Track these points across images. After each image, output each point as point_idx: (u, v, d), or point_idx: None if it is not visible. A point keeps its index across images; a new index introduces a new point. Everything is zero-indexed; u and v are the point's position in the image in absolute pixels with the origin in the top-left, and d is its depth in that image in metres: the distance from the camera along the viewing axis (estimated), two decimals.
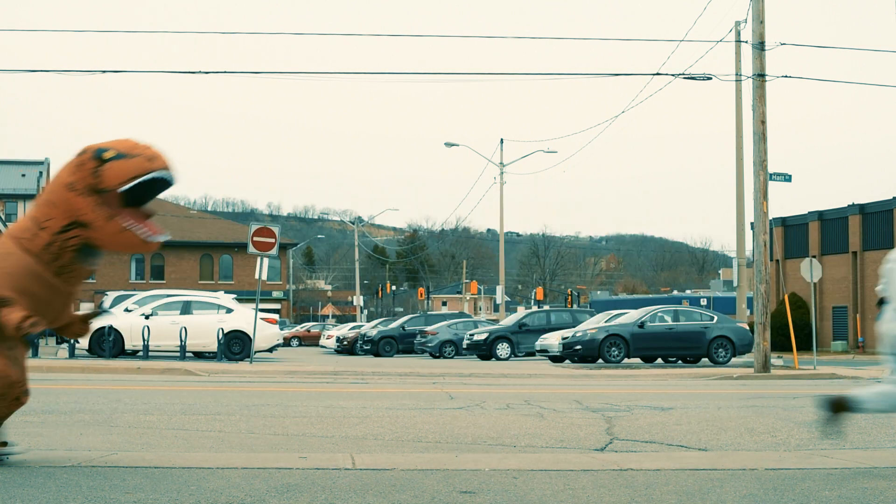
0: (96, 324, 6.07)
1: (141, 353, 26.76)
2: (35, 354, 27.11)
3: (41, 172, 78.82)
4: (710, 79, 27.01)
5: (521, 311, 48.47)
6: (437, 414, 10.65)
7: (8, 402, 5.83)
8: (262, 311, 30.18)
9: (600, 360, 29.36)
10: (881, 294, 6.55)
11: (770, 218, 23.99)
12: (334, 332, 57.44)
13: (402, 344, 44.21)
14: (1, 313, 5.69)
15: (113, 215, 5.75)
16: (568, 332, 31.07)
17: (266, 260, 26.32)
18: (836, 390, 16.56)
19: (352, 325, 61.12)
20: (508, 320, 40.32)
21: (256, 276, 26.84)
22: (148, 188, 5.79)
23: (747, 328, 30.40)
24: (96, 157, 5.74)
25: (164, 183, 5.81)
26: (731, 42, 31.52)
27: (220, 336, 26.58)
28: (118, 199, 5.74)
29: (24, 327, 5.70)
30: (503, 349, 36.84)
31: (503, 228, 56.08)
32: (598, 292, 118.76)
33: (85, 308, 71.81)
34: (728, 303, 73.04)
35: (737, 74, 30.54)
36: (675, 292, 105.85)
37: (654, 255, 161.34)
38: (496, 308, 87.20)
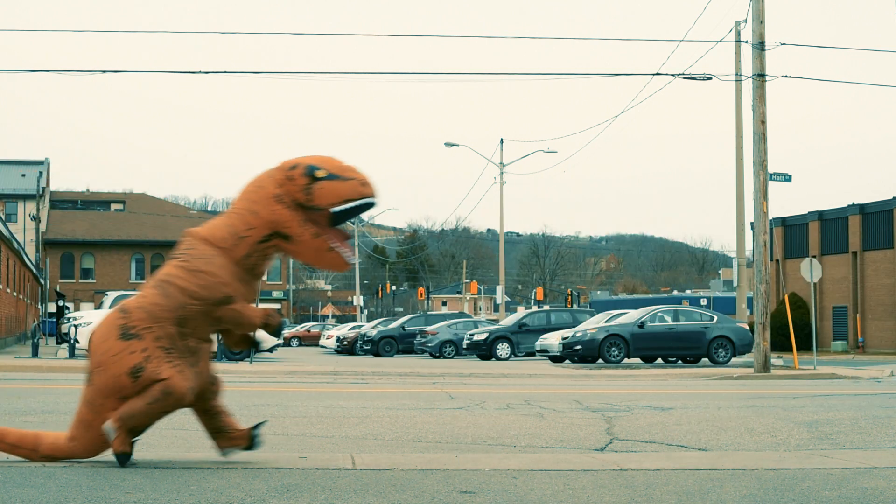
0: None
1: None
2: (35, 354, 27.11)
3: (41, 172, 78.81)
4: (710, 79, 27.01)
5: (521, 311, 48.47)
6: (437, 414, 10.65)
7: (167, 414, 5.90)
8: None
9: (600, 360, 29.36)
10: None
11: (770, 218, 24.00)
12: (334, 332, 57.44)
13: (402, 344, 44.21)
14: (232, 311, 5.81)
15: (319, 233, 5.82)
16: (568, 332, 31.07)
17: None
18: (837, 390, 16.57)
19: (352, 325, 61.12)
20: (508, 320, 40.32)
21: None
22: (354, 211, 5.87)
23: (747, 328, 30.41)
24: (309, 174, 5.78)
25: (369, 208, 5.93)
26: (731, 42, 31.55)
27: (220, 336, 26.55)
28: (326, 218, 5.82)
29: (271, 320, 5.85)
30: (503, 349, 36.84)
31: (503, 228, 56.09)
32: (598, 292, 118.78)
33: (85, 308, 71.75)
34: (728, 303, 73.07)
35: (737, 74, 30.54)
36: (675, 292, 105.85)
37: (654, 255, 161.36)
38: (496, 308, 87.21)
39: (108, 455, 6.59)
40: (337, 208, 5.79)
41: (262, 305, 6.16)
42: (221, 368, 22.29)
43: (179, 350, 5.82)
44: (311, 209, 5.78)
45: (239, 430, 6.14)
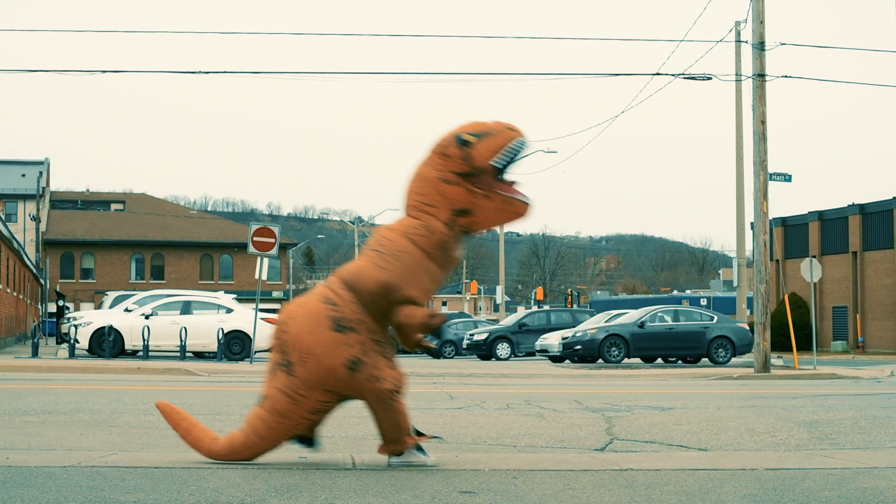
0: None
1: (141, 353, 26.76)
2: (35, 354, 27.12)
3: (41, 172, 78.80)
4: (710, 79, 27.01)
5: (521, 311, 48.45)
6: (437, 414, 10.65)
7: (399, 401, 5.94)
8: (262, 311, 30.16)
9: (600, 360, 29.36)
10: None
11: (770, 218, 23.99)
12: None
13: None
14: (405, 311, 5.84)
15: (490, 193, 5.90)
16: (568, 332, 31.06)
17: (266, 260, 26.31)
18: (837, 390, 16.57)
19: None
20: (508, 320, 40.31)
21: (256, 276, 26.83)
22: (512, 155, 5.94)
23: (747, 328, 30.40)
24: (459, 144, 5.90)
25: (523, 147, 5.99)
26: (731, 42, 31.55)
27: (220, 336, 26.58)
28: (491, 173, 5.90)
29: (433, 322, 5.88)
30: (503, 349, 36.84)
31: (503, 228, 56.06)
32: (598, 292, 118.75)
33: (85, 308, 71.77)
34: (728, 303, 73.04)
35: (737, 74, 30.54)
36: (675, 292, 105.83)
37: (654, 255, 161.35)
38: (496, 308, 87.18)
39: (109, 455, 6.59)
40: (496, 160, 5.89)
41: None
42: (221, 368, 22.32)
43: (386, 343, 5.96)
44: (474, 173, 5.89)
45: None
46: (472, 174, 5.88)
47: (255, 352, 27.19)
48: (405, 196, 6.07)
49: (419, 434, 6.16)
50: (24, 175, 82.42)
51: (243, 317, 28.78)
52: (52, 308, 69.57)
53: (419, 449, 6.11)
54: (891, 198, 52.30)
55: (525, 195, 5.99)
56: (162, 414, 6.32)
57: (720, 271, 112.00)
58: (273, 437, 5.97)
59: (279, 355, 5.88)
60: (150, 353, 26.83)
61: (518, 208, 5.98)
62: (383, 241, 5.94)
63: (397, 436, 5.95)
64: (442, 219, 5.93)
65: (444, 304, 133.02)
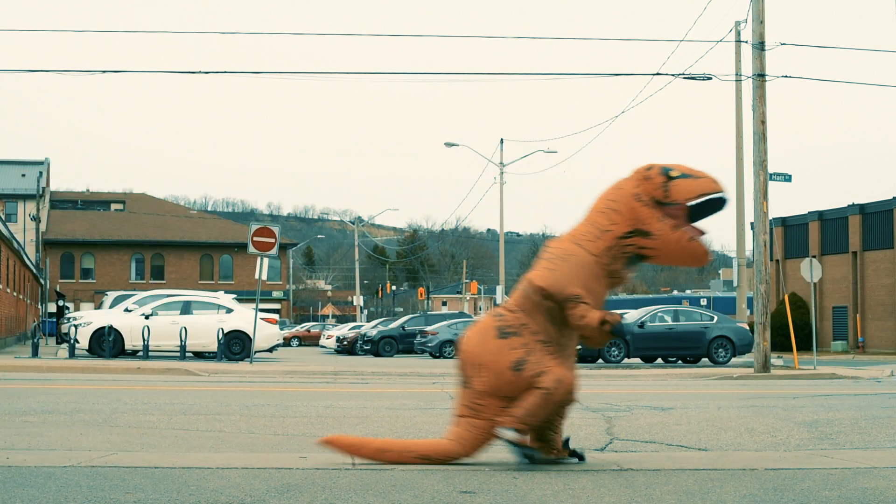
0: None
1: (141, 353, 26.76)
2: (35, 354, 27.11)
3: (41, 172, 78.78)
4: (710, 79, 27.01)
5: None
6: (437, 414, 10.64)
7: (560, 406, 6.12)
8: (262, 311, 30.17)
9: (600, 360, 29.36)
10: None
11: (770, 218, 23.99)
12: (334, 332, 57.41)
13: (402, 344, 44.18)
14: (578, 310, 6.01)
15: (679, 226, 6.12)
16: None
17: (266, 260, 26.32)
18: (837, 390, 16.56)
19: (352, 325, 61.09)
20: None
21: (256, 276, 26.84)
22: (708, 207, 6.19)
23: (747, 328, 30.40)
24: (664, 174, 6.15)
25: (722, 204, 6.22)
26: (731, 42, 31.55)
27: (220, 336, 26.58)
28: (683, 212, 6.13)
29: (608, 322, 6.03)
30: None
31: (503, 228, 56.09)
32: None
33: (85, 308, 71.76)
34: (728, 303, 73.02)
35: (737, 74, 30.54)
36: (675, 292, 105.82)
37: None
38: None
39: (109, 455, 6.59)
40: (693, 202, 6.10)
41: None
42: (221, 368, 22.32)
43: (559, 343, 6.12)
44: (668, 205, 6.10)
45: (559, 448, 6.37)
46: (665, 205, 6.12)
47: (255, 352, 27.20)
48: (595, 199, 6.33)
49: (566, 446, 6.34)
50: (24, 175, 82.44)
51: (243, 317, 28.79)
52: (52, 308, 69.56)
53: (526, 453, 6.15)
54: (891, 198, 52.30)
55: (708, 246, 6.23)
56: (337, 450, 6.34)
57: (720, 271, 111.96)
58: (464, 449, 6.17)
59: (460, 372, 6.23)
60: (150, 353, 26.84)
61: (697, 251, 6.19)
62: (553, 247, 6.23)
63: (525, 420, 6.03)
64: (620, 230, 6.15)
65: (444, 304, 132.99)
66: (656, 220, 6.10)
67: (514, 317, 6.09)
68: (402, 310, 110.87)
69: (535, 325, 6.06)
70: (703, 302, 77.16)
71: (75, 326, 28.20)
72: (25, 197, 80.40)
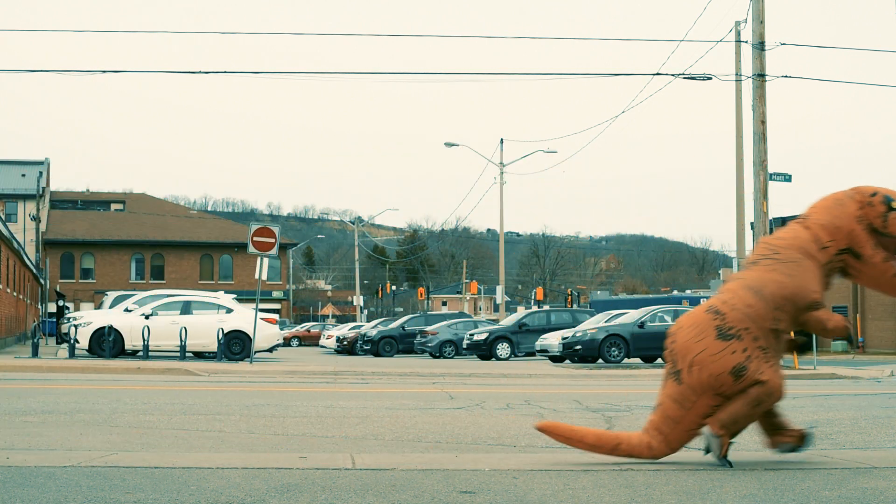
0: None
1: (141, 353, 26.76)
2: (35, 354, 27.11)
3: (41, 172, 78.80)
4: (710, 79, 27.02)
5: (522, 311, 48.44)
6: (437, 414, 10.64)
7: (762, 409, 6.27)
8: (262, 311, 30.17)
9: (600, 360, 29.36)
10: None
11: (770, 218, 24.01)
12: (334, 332, 57.41)
13: (402, 344, 44.19)
14: (822, 315, 6.27)
15: (890, 258, 6.34)
16: (568, 332, 31.06)
17: (266, 260, 26.31)
18: (837, 390, 16.55)
19: (352, 325, 61.09)
20: (508, 320, 40.29)
21: (256, 276, 26.83)
22: None
23: None
24: (887, 203, 6.34)
25: None
26: (731, 42, 31.51)
27: (220, 336, 26.58)
28: (894, 246, 6.35)
29: (849, 325, 6.28)
30: (503, 349, 36.83)
31: (503, 228, 56.07)
32: (598, 292, 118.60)
33: (85, 308, 71.76)
34: None
35: (737, 74, 30.54)
36: (675, 292, 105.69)
37: (654, 255, 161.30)
38: (496, 308, 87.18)
39: (109, 455, 6.59)
40: None
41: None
42: (221, 368, 22.32)
43: (774, 350, 6.25)
44: (884, 236, 6.32)
45: (793, 429, 6.57)
46: (882, 235, 6.32)
47: (255, 352, 27.19)
48: (813, 207, 6.47)
49: (791, 433, 6.52)
50: (24, 175, 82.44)
51: (243, 317, 28.79)
52: (52, 308, 69.56)
53: (725, 458, 6.27)
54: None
55: None
56: (551, 435, 6.43)
57: (720, 271, 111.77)
58: (667, 443, 6.27)
59: (670, 364, 6.25)
60: (150, 353, 26.84)
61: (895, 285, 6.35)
62: (780, 250, 6.29)
63: (728, 425, 6.14)
64: (837, 247, 6.32)
65: (444, 304, 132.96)
66: (870, 247, 6.30)
67: (735, 318, 6.11)
68: (402, 310, 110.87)
69: (756, 330, 6.13)
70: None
71: (75, 326, 28.20)
72: (25, 197, 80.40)
